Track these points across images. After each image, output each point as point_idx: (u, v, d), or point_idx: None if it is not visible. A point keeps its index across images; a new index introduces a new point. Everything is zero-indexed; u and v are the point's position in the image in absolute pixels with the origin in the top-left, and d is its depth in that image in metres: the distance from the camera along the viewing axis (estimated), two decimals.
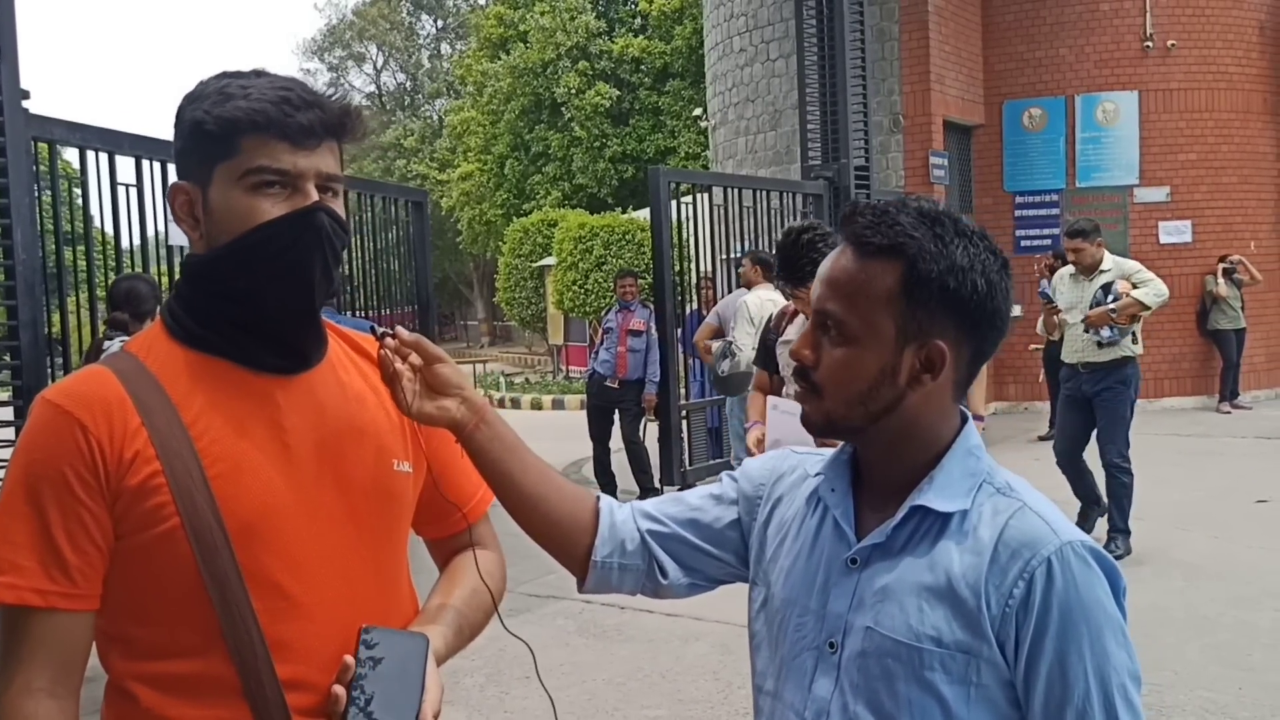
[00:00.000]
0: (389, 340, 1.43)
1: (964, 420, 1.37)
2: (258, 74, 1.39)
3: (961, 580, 1.25)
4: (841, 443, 1.41)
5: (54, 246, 5.64)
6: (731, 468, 1.61)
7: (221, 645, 1.31)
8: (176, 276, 1.50)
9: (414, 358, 1.43)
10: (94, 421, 1.30)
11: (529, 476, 1.46)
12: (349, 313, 7.81)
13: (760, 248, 9.14)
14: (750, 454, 4.52)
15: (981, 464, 1.33)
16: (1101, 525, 6.69)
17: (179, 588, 1.31)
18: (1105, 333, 6.49)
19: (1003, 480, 1.32)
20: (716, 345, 7.60)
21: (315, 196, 1.36)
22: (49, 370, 5.16)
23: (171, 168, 1.48)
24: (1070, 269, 6.84)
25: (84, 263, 5.79)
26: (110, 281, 5.39)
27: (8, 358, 5.06)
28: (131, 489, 1.30)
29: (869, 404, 1.30)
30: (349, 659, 1.35)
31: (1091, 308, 6.53)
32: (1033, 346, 11.74)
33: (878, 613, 1.29)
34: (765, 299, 6.83)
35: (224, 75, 1.39)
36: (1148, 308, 6.43)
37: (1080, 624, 1.21)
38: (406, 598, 1.53)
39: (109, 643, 1.37)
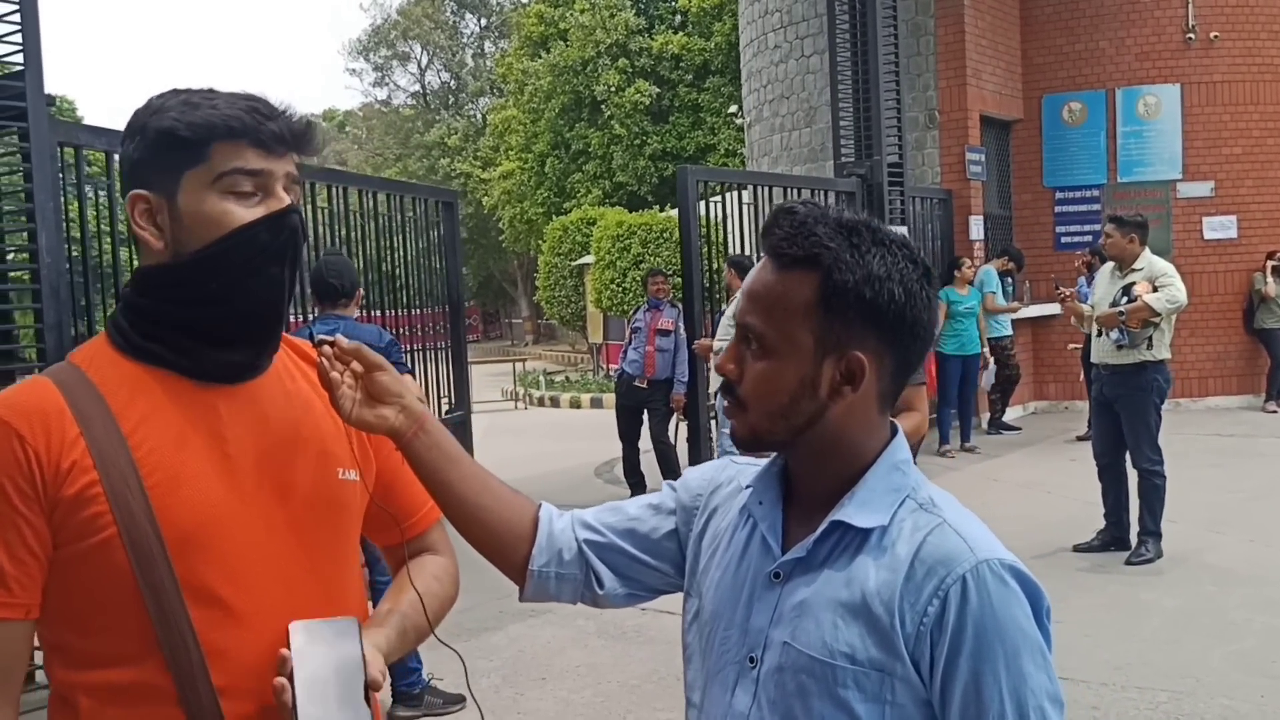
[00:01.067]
0: (326, 348, 1.43)
1: (893, 433, 1.35)
2: (213, 91, 1.42)
3: (876, 597, 1.23)
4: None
5: (83, 249, 5.71)
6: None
7: (158, 654, 1.32)
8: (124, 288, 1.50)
9: (355, 365, 1.44)
10: (31, 431, 1.31)
11: (468, 485, 1.46)
12: (380, 311, 7.85)
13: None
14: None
15: (907, 479, 1.31)
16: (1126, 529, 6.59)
17: (116, 597, 1.32)
18: (1114, 335, 6.35)
19: (926, 496, 1.30)
20: (716, 346, 7.68)
21: (287, 199, 1.40)
22: None
23: None
24: (1112, 264, 6.70)
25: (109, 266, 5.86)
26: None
27: (35, 359, 5.14)
28: (68, 499, 1.31)
29: (791, 417, 1.29)
30: (284, 652, 1.34)
31: (1112, 307, 6.41)
32: (1071, 345, 11.60)
33: (795, 628, 1.28)
34: None
35: (177, 92, 1.41)
36: (1157, 314, 6.25)
37: (995, 644, 1.19)
38: (355, 605, 1.53)
39: (51, 652, 1.39)
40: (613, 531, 1.50)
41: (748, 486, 1.41)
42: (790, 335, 1.27)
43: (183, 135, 1.35)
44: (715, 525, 1.45)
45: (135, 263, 6.15)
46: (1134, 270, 6.47)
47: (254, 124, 1.36)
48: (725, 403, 1.35)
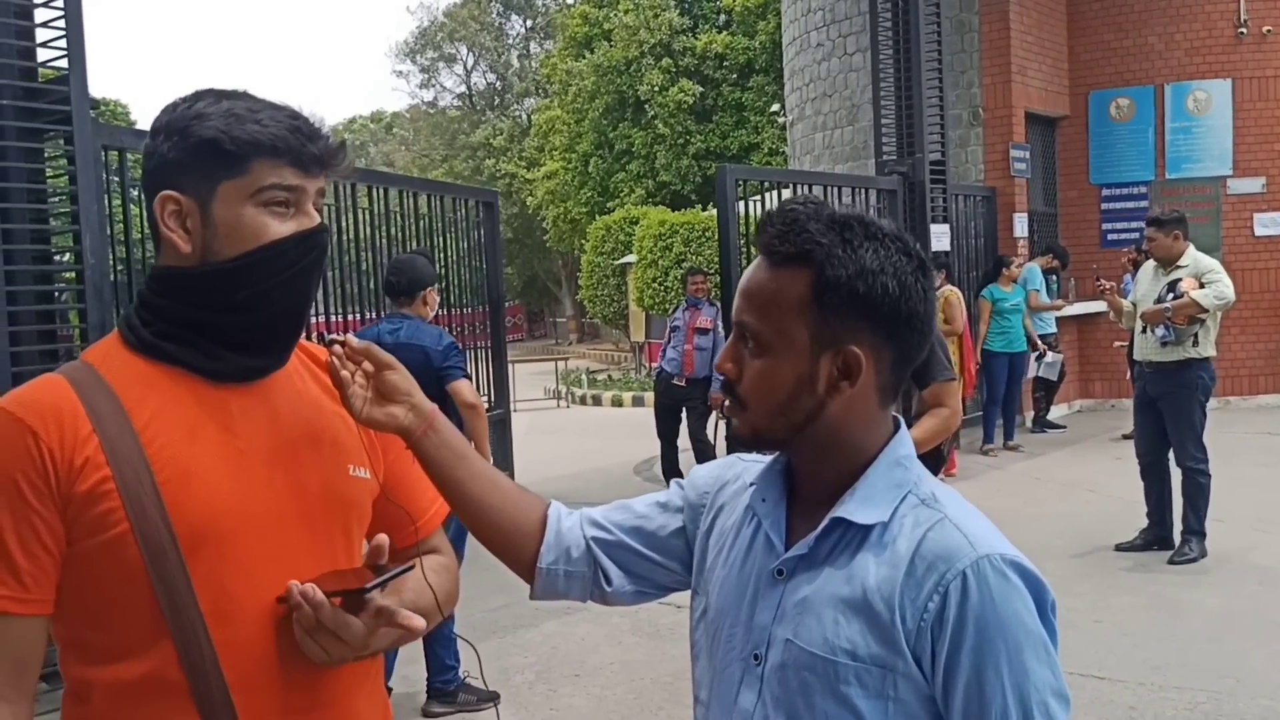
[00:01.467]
0: (337, 347, 1.46)
1: (896, 427, 1.35)
2: (250, 95, 1.44)
3: (876, 593, 1.23)
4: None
5: (126, 251, 5.82)
6: None
7: (171, 650, 1.34)
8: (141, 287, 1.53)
9: (366, 364, 1.46)
10: (45, 428, 1.33)
11: (478, 483, 1.48)
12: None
13: None
14: None
15: (909, 474, 1.31)
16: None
17: (128, 592, 1.34)
18: (1159, 331, 6.25)
19: (928, 491, 1.30)
20: None
21: (317, 217, 1.44)
22: None
23: None
24: (1153, 262, 6.61)
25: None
26: None
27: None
28: (82, 495, 1.33)
29: (790, 414, 1.29)
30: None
31: (1156, 304, 6.32)
32: (1118, 343, 11.44)
33: (797, 625, 1.28)
34: None
35: (215, 94, 1.43)
36: (1205, 310, 6.15)
37: (997, 639, 1.18)
38: None
39: (65, 648, 1.41)
40: (620, 529, 1.51)
41: (752, 484, 1.42)
42: (785, 332, 1.28)
43: (227, 149, 1.37)
44: (722, 523, 1.45)
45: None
46: (1179, 267, 6.36)
47: (297, 145, 1.40)
48: (726, 403, 1.36)
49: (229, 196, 1.39)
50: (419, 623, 1.40)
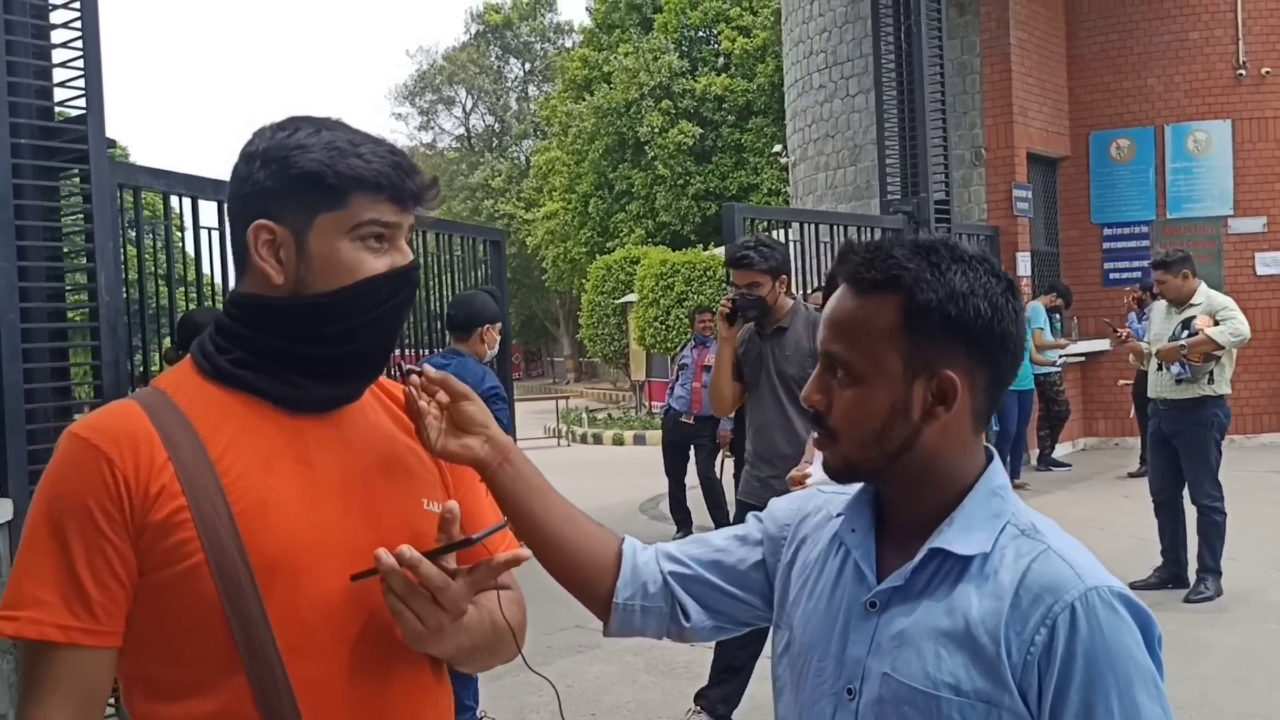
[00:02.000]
0: (414, 378, 1.44)
1: (989, 458, 1.33)
2: (345, 125, 1.42)
3: (980, 626, 1.21)
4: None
5: (140, 288, 5.81)
6: None
7: (245, 685, 1.30)
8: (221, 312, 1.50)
9: (440, 395, 1.44)
10: (120, 455, 1.30)
11: (552, 517, 1.46)
12: (428, 350, 7.91)
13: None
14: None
15: (1006, 504, 1.29)
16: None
17: (202, 626, 1.30)
18: (1175, 369, 6.24)
19: (1028, 522, 1.28)
20: None
21: (411, 255, 1.43)
22: None
23: None
24: (1165, 301, 6.62)
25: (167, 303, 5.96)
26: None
27: (92, 396, 5.21)
28: (156, 524, 1.30)
29: (884, 443, 1.27)
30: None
31: (1170, 342, 6.32)
32: (1122, 381, 11.46)
33: (895, 658, 1.25)
34: None
35: (312, 123, 1.41)
36: (1221, 347, 6.15)
37: (1107, 674, 1.15)
38: None
39: (131, 683, 1.37)
40: (698, 563, 1.49)
41: (838, 515, 1.39)
42: (877, 360, 1.26)
43: (330, 182, 1.35)
44: (805, 555, 1.43)
45: (192, 301, 6.19)
46: (1192, 305, 6.37)
47: (397, 181, 1.38)
48: (816, 434, 1.33)
49: (326, 229, 1.37)
50: (525, 554, 1.37)
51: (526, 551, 1.39)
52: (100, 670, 1.32)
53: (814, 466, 3.41)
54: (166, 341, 5.93)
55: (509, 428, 5.02)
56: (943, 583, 1.26)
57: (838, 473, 1.32)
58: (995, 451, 1.36)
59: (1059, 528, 1.29)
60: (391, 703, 1.39)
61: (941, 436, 1.28)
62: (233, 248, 1.44)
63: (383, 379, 1.57)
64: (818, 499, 1.49)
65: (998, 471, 1.32)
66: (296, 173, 1.36)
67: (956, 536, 1.26)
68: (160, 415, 1.35)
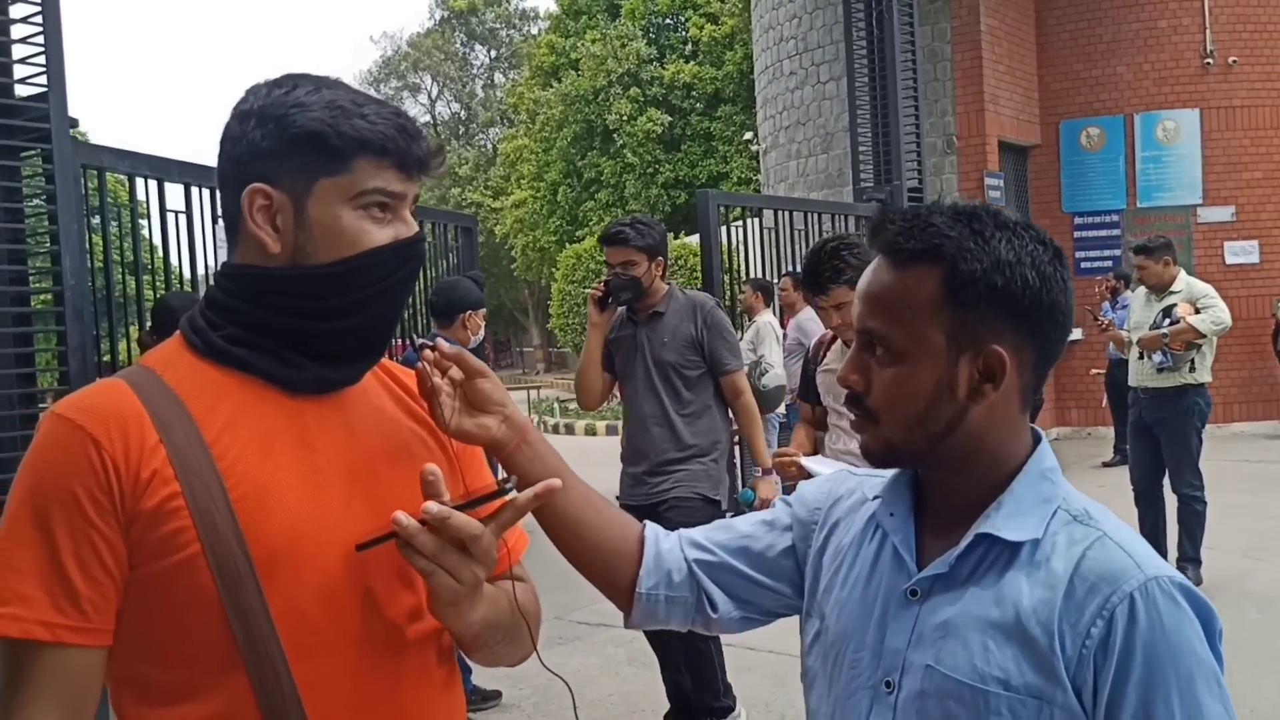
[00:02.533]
0: (428, 353, 1.33)
1: (1037, 440, 1.25)
2: (343, 84, 1.32)
3: (1032, 617, 1.13)
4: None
5: (105, 273, 5.65)
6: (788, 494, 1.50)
7: (245, 685, 1.19)
8: (211, 284, 1.38)
9: (454, 372, 1.33)
10: (108, 437, 1.19)
11: (571, 501, 1.37)
12: (401, 341, 7.78)
13: (765, 277, 9.26)
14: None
15: (1056, 488, 1.21)
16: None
17: (198, 621, 1.19)
18: (1157, 358, 6.22)
19: (1080, 507, 1.20)
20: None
21: (415, 226, 1.32)
22: None
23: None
24: (1145, 289, 6.60)
25: (134, 289, 5.80)
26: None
27: (57, 383, 5.06)
28: (148, 512, 1.18)
29: (929, 424, 1.19)
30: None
31: (1151, 330, 6.30)
32: (1094, 370, 11.50)
33: (939, 650, 1.17)
34: (770, 322, 8.44)
35: (312, 80, 1.30)
36: (1203, 335, 6.13)
37: (1168, 670, 1.08)
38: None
39: (121, 685, 1.25)
40: (725, 550, 1.40)
41: (876, 498, 1.31)
42: (920, 336, 1.18)
43: (332, 143, 1.25)
44: (838, 540, 1.35)
45: (160, 286, 6.04)
46: (1172, 293, 6.34)
47: (404, 146, 1.28)
48: (853, 417, 1.25)
49: (327, 195, 1.26)
50: (556, 483, 1.27)
51: (557, 481, 1.27)
52: (89, 671, 1.20)
53: (813, 462, 3.32)
54: (134, 329, 5.77)
55: None
56: (990, 570, 1.18)
57: (877, 457, 1.24)
58: (1042, 432, 1.28)
59: (1111, 514, 1.21)
60: (401, 702, 1.29)
61: (988, 416, 1.20)
62: (224, 215, 1.33)
63: (385, 361, 1.47)
64: (850, 481, 1.40)
65: (1047, 453, 1.25)
66: (296, 132, 1.25)
67: (1005, 521, 1.18)
68: (150, 394, 1.24)
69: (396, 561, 1.29)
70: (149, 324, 5.19)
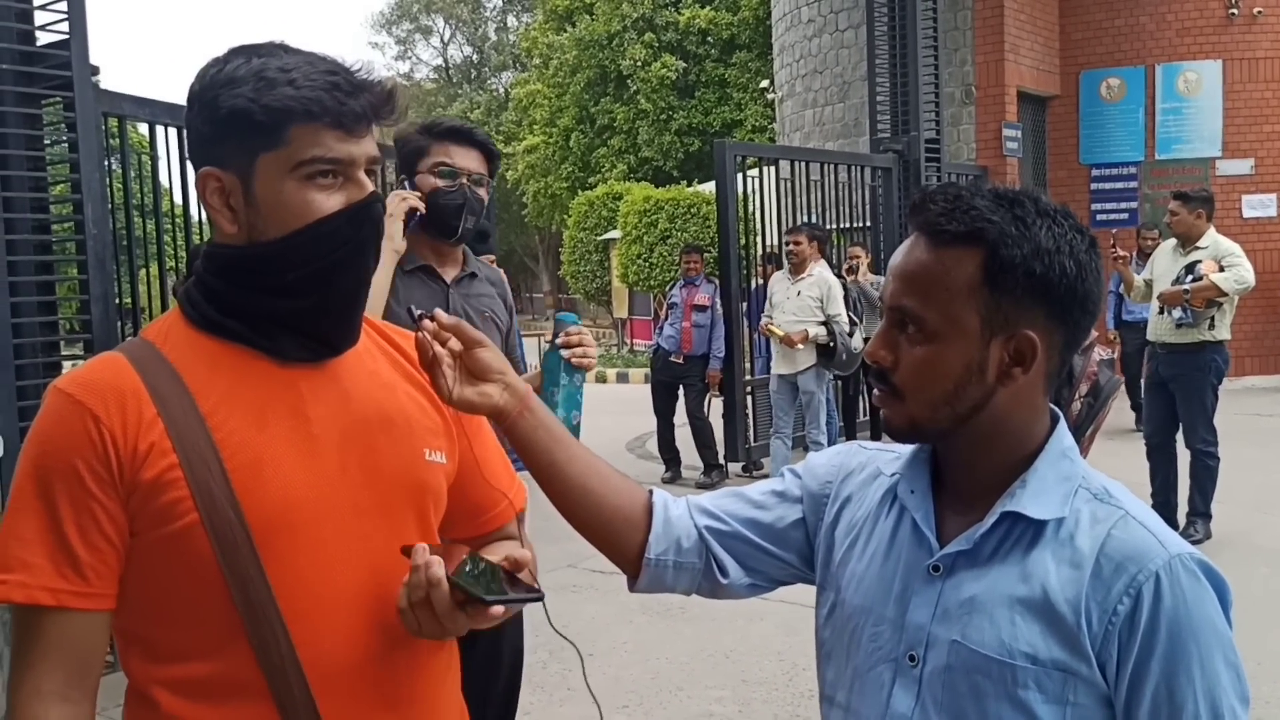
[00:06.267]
0: (427, 323, 1.34)
1: (1055, 419, 1.28)
2: (285, 50, 1.31)
3: (1059, 594, 1.17)
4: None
5: (125, 220, 5.69)
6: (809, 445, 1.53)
7: (245, 646, 1.26)
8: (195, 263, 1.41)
9: (453, 343, 1.34)
10: (107, 411, 1.25)
11: (575, 467, 1.38)
12: None
13: (817, 222, 9.10)
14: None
15: (1076, 467, 1.25)
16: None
17: (198, 587, 1.26)
18: (1177, 313, 6.21)
19: (1099, 485, 1.23)
20: (814, 331, 7.63)
21: (370, 186, 1.32)
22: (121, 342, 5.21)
23: None
24: (1174, 241, 6.56)
25: (154, 235, 5.84)
26: (182, 253, 5.42)
27: (80, 331, 5.11)
28: (146, 483, 1.25)
29: (955, 404, 1.22)
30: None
31: (1174, 285, 6.28)
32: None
33: (965, 625, 1.21)
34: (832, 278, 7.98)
35: (246, 52, 1.30)
36: (1225, 294, 6.10)
37: (1190, 644, 1.13)
38: None
39: (128, 645, 1.32)
40: (735, 519, 1.43)
41: (893, 474, 1.34)
42: (954, 317, 1.20)
43: (259, 119, 1.25)
44: (851, 514, 1.37)
45: (177, 234, 6.06)
46: (1198, 248, 6.29)
47: (334, 105, 1.26)
48: (878, 391, 1.27)
49: (268, 171, 1.28)
50: (499, 611, 1.29)
51: (499, 611, 1.29)
52: (92, 633, 1.27)
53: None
54: (154, 269, 5.81)
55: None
56: (1014, 548, 1.21)
57: (901, 433, 1.27)
58: (1060, 412, 1.30)
59: (1129, 491, 1.25)
60: (397, 663, 1.35)
61: (1014, 398, 1.23)
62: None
63: (379, 323, 1.50)
64: (861, 455, 1.43)
65: (1065, 433, 1.28)
66: (225, 113, 1.27)
67: (1031, 500, 1.21)
68: (148, 368, 1.29)
69: (392, 526, 1.35)
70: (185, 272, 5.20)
